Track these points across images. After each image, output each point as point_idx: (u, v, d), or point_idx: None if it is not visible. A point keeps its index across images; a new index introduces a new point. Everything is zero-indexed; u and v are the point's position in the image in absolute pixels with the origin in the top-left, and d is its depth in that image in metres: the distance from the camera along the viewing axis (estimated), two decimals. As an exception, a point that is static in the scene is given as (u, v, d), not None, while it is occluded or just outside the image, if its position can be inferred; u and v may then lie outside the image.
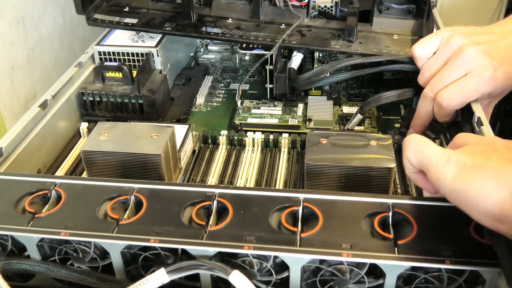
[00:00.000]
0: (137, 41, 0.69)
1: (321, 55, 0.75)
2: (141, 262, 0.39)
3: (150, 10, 0.71)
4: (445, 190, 0.35)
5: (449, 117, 0.52)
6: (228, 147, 0.60)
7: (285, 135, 0.59)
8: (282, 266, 0.38)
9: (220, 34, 0.66)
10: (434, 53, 0.54)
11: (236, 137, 0.60)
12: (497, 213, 0.32)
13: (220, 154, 0.59)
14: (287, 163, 0.57)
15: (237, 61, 0.80)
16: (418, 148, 0.38)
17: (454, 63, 0.50)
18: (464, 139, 0.40)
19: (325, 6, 0.69)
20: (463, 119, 0.54)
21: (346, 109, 0.66)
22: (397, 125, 0.63)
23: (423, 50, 0.54)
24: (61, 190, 0.42)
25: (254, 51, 0.69)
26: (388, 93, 0.58)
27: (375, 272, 0.37)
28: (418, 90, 0.58)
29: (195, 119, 0.66)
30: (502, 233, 0.33)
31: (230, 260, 0.38)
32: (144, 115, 0.63)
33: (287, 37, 0.64)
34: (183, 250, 0.38)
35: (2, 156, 0.50)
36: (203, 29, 0.67)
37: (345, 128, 0.62)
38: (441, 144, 0.57)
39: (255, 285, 0.35)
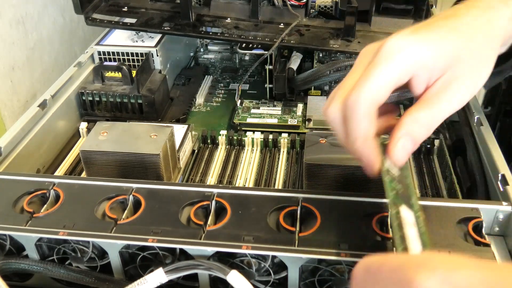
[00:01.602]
0: (136, 41, 0.69)
1: (321, 55, 0.75)
2: (139, 262, 0.39)
3: (148, 10, 0.71)
4: None
5: (364, 127, 0.35)
6: (227, 147, 0.60)
7: (285, 135, 0.59)
8: (281, 266, 0.38)
9: (218, 34, 0.66)
10: None
11: (235, 137, 0.60)
12: None
13: (220, 154, 0.59)
14: (286, 163, 0.57)
15: (237, 61, 0.80)
16: None
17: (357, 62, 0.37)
18: None
19: (325, 6, 0.69)
20: (461, 119, 0.54)
21: (345, 109, 0.66)
22: (396, 125, 0.63)
23: None
24: (59, 189, 0.42)
25: (254, 51, 0.69)
26: (388, 93, 0.58)
27: (374, 272, 0.37)
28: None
29: (195, 119, 0.66)
30: None
31: (228, 260, 0.38)
32: (144, 115, 0.63)
33: (286, 36, 0.64)
34: (181, 250, 0.38)
35: (1, 156, 0.50)
36: (202, 28, 0.67)
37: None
38: (440, 145, 0.57)
39: (253, 285, 0.35)
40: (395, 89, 0.35)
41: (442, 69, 0.35)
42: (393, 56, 0.34)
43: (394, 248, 0.32)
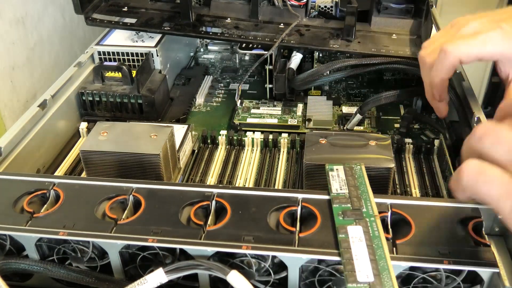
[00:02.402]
0: (136, 41, 0.69)
1: (320, 55, 0.75)
2: (139, 262, 0.39)
3: (148, 10, 0.71)
4: None
5: (448, 73, 0.49)
6: (227, 147, 0.60)
7: (285, 135, 0.59)
8: (281, 266, 0.38)
9: (218, 34, 0.66)
10: None
11: (235, 137, 0.60)
12: None
13: (219, 154, 0.59)
14: (286, 163, 0.57)
15: (237, 61, 0.80)
16: (478, 189, 0.32)
17: (458, 31, 0.49)
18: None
19: (325, 6, 0.69)
20: (461, 119, 0.54)
21: (345, 109, 0.66)
22: (396, 125, 0.63)
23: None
24: (59, 189, 0.42)
25: (254, 51, 0.69)
26: (388, 93, 0.58)
27: (374, 272, 0.37)
28: (419, 90, 0.58)
29: (195, 119, 0.66)
30: None
31: (228, 260, 0.38)
32: (144, 115, 0.63)
33: (286, 36, 0.64)
34: (181, 250, 0.38)
35: (1, 156, 0.50)
36: (202, 28, 0.67)
37: (345, 128, 0.62)
38: (440, 145, 0.57)
39: (253, 285, 0.35)
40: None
41: None
42: (487, 43, 0.46)
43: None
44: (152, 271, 0.36)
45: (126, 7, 0.71)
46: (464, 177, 0.32)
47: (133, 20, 0.68)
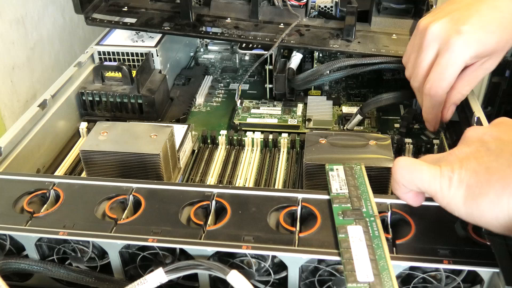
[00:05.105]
0: (136, 41, 0.69)
1: (320, 55, 0.75)
2: (139, 262, 0.39)
3: (148, 9, 0.71)
4: (460, 214, 0.34)
5: (441, 105, 0.52)
6: (227, 147, 0.60)
7: (285, 135, 0.59)
8: (281, 266, 0.38)
9: (218, 34, 0.66)
10: None
11: (235, 137, 0.60)
12: None
13: (220, 154, 0.59)
14: (286, 163, 0.57)
15: (237, 61, 0.80)
16: (412, 176, 0.36)
17: (422, 45, 0.50)
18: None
19: (325, 6, 0.69)
20: (461, 119, 0.54)
21: (345, 109, 0.66)
22: (396, 125, 0.63)
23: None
24: (59, 189, 0.42)
25: (254, 51, 0.69)
26: (388, 94, 0.58)
27: (373, 272, 0.37)
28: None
29: (195, 119, 0.66)
30: None
31: (228, 260, 0.38)
32: (144, 115, 0.63)
33: (286, 36, 0.64)
34: (181, 250, 0.38)
35: (1, 156, 0.50)
36: (202, 28, 0.67)
37: (345, 128, 0.62)
38: (441, 144, 0.57)
39: (253, 285, 0.35)
40: None
41: (483, 57, 0.49)
42: (459, 58, 0.48)
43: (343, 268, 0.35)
44: (152, 271, 0.36)
45: (126, 7, 0.71)
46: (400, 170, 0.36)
47: (133, 20, 0.68)
